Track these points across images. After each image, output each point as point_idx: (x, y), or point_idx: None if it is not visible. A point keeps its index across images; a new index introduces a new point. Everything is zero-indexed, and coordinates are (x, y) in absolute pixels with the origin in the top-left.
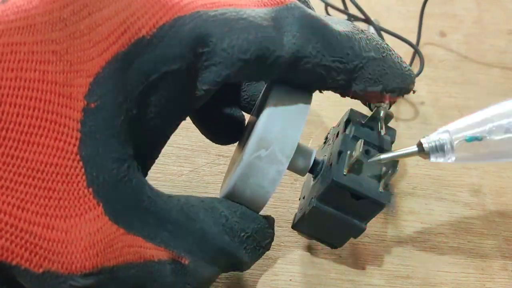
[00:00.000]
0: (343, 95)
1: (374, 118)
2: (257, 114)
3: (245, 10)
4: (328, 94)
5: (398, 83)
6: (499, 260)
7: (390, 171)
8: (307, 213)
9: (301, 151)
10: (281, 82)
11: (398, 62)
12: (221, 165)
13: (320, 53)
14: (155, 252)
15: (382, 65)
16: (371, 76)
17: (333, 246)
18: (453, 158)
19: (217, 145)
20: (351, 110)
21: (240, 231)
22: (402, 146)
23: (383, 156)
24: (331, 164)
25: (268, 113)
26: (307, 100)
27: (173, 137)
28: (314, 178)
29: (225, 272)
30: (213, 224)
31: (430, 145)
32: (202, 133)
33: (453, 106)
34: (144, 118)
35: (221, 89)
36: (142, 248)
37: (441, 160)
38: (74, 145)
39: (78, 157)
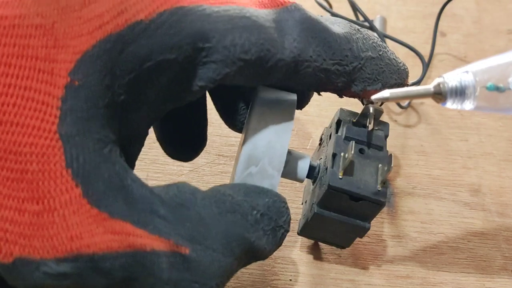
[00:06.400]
0: (340, 95)
1: (364, 115)
2: (245, 128)
3: (248, 9)
4: (328, 94)
5: (396, 79)
6: (499, 260)
7: (386, 168)
8: (309, 219)
9: (296, 158)
10: (265, 90)
11: (394, 59)
12: (221, 165)
13: (320, 57)
14: (147, 241)
15: (379, 63)
16: (370, 76)
17: (341, 246)
18: (472, 106)
19: (217, 145)
20: (341, 109)
21: (251, 209)
22: (401, 148)
23: (390, 92)
24: (327, 168)
25: (252, 128)
26: (291, 107)
27: None
28: (313, 182)
29: (245, 264)
30: (214, 205)
31: (449, 85)
32: (159, 140)
33: None
34: (131, 106)
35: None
36: (131, 236)
37: (457, 106)
38: (53, 123)
39: (57, 135)
